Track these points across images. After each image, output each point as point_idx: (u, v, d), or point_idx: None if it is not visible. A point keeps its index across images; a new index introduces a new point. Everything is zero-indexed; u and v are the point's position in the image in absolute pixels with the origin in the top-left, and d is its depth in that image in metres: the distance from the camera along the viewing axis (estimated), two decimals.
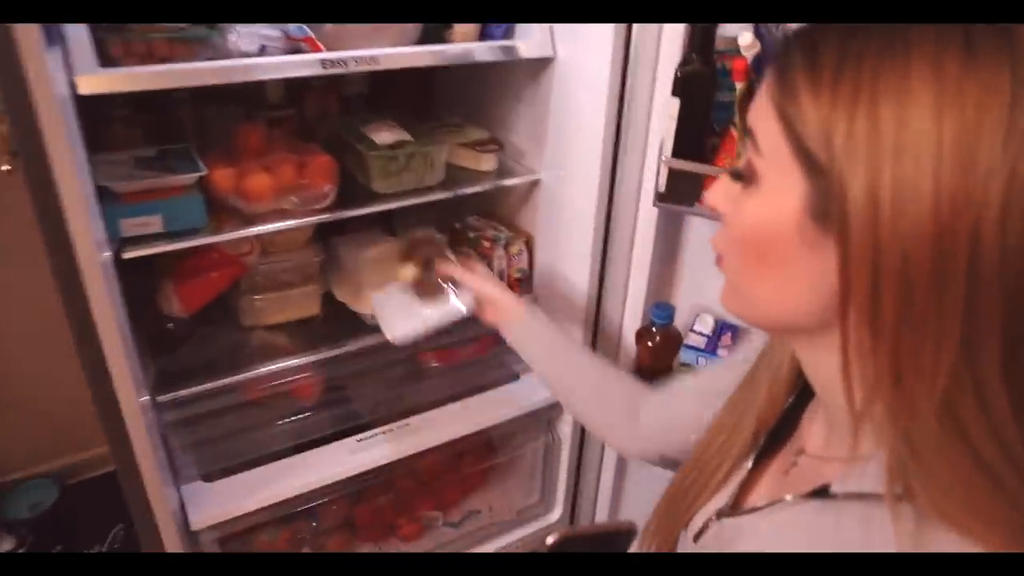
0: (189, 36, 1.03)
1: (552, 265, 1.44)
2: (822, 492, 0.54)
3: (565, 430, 1.52)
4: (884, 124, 0.42)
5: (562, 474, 1.57)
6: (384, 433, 1.36)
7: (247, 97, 1.40)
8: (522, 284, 1.48)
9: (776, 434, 0.66)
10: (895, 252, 0.42)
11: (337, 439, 1.36)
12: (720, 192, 0.55)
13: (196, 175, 1.11)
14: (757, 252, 0.51)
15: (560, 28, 1.25)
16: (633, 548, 0.77)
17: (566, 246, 1.38)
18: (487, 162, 1.38)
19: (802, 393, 0.66)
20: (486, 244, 1.42)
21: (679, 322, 1.24)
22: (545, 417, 1.52)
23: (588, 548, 0.57)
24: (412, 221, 1.46)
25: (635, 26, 1.12)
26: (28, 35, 0.78)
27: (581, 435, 1.52)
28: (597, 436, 0.97)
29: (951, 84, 0.41)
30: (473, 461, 1.59)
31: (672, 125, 1.02)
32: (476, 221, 1.48)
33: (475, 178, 1.37)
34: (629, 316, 1.29)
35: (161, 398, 1.15)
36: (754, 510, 0.62)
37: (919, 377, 0.44)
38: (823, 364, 0.54)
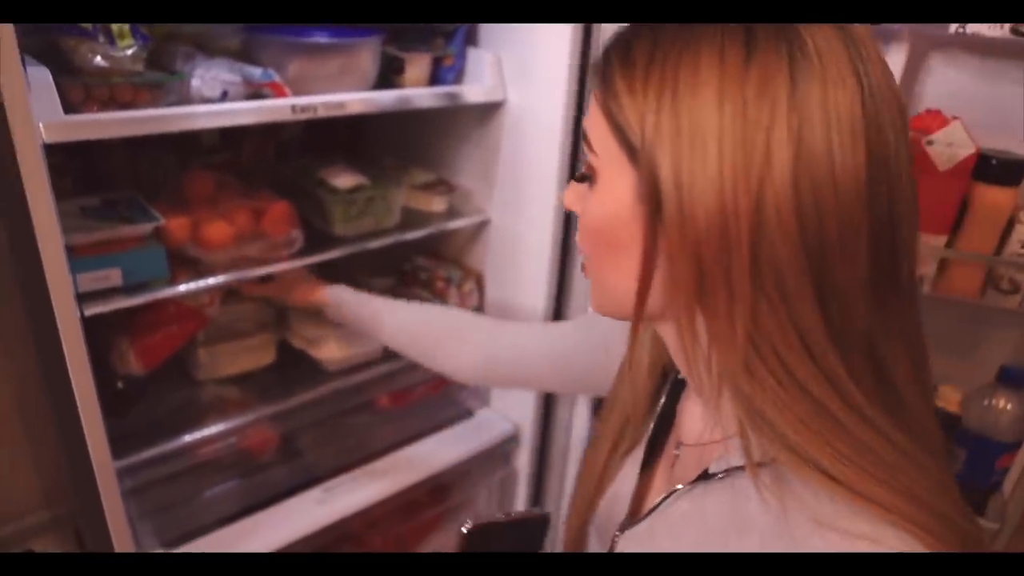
0: (151, 81, 0.99)
1: (504, 301, 1.47)
2: (704, 476, 0.58)
3: (522, 461, 1.54)
4: (682, 112, 0.47)
5: (519, 507, 1.58)
6: (350, 481, 1.33)
7: (181, 143, 1.35)
8: None
9: (658, 433, 0.69)
10: (693, 228, 0.47)
11: (296, 492, 1.31)
12: (571, 194, 0.59)
13: (153, 225, 1.07)
14: (605, 243, 0.55)
15: (511, 72, 1.30)
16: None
17: (519, 282, 1.42)
18: (438, 203, 1.40)
19: (674, 388, 0.69)
20: (440, 284, 1.43)
21: None
22: (501, 452, 1.54)
23: (503, 535, 0.60)
24: (361, 262, 1.45)
25: (589, 70, 1.19)
26: (12, 80, 0.74)
27: (539, 467, 1.55)
28: (437, 367, 1.06)
29: (732, 75, 0.46)
30: (429, 504, 1.57)
31: None
32: (425, 261, 1.49)
33: (427, 219, 1.38)
34: None
35: (119, 463, 1.07)
36: (651, 511, 0.63)
37: (730, 342, 0.49)
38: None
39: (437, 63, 1.30)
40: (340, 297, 1.16)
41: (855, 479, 0.47)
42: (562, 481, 1.51)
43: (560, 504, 1.53)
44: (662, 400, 0.69)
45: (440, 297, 1.43)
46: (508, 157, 1.36)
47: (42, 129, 0.84)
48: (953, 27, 0.96)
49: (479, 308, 1.50)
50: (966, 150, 1.08)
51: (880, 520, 0.47)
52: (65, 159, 1.22)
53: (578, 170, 1.17)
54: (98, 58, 0.94)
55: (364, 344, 1.37)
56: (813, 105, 0.45)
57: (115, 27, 0.95)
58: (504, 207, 1.40)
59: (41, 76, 0.86)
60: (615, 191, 0.52)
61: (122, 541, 1.01)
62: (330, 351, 1.34)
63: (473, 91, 1.30)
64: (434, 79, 1.30)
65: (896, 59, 1.09)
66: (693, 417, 0.64)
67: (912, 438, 0.50)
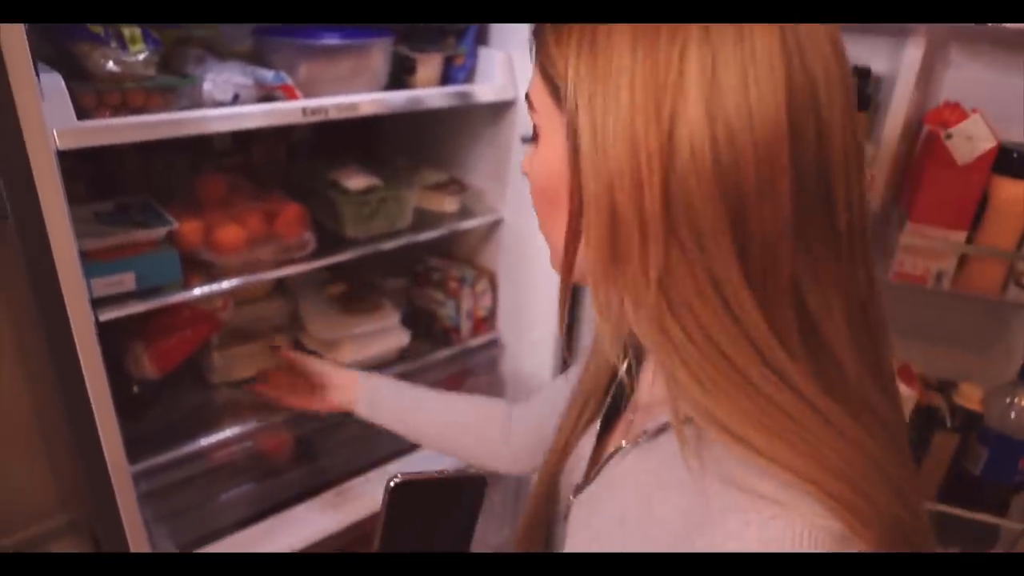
0: (163, 85, 0.99)
1: (517, 301, 1.46)
2: (643, 436, 0.57)
3: None
4: (599, 54, 0.46)
5: None
6: (363, 483, 1.33)
7: (192, 146, 1.35)
8: (487, 322, 1.49)
9: (618, 399, 0.69)
10: (605, 167, 0.46)
11: (310, 495, 1.31)
12: (526, 159, 0.59)
13: (166, 229, 1.06)
14: (547, 200, 0.55)
15: (523, 71, 1.29)
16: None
17: (532, 282, 1.41)
18: (450, 203, 1.40)
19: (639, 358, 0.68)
20: (453, 284, 1.42)
21: None
22: None
23: (433, 493, 0.58)
24: (373, 263, 1.45)
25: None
26: (24, 87, 0.74)
27: None
28: (487, 469, 1.00)
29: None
30: None
31: None
32: (438, 261, 1.49)
33: (439, 219, 1.38)
34: None
35: (135, 467, 1.07)
36: (598, 473, 0.63)
37: (643, 293, 0.47)
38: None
39: (448, 62, 1.29)
40: (371, 398, 1.05)
41: (766, 445, 0.45)
42: None
43: None
44: (623, 368, 0.68)
45: (454, 297, 1.42)
46: (520, 156, 1.35)
47: (55, 136, 0.84)
48: None
49: (492, 308, 1.49)
50: (986, 143, 1.06)
51: (795, 487, 0.44)
52: (77, 164, 1.22)
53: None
54: (110, 63, 0.94)
55: (378, 346, 1.37)
56: (727, 40, 0.44)
57: (127, 32, 0.95)
58: (517, 206, 1.40)
59: (54, 83, 0.85)
60: (551, 145, 0.52)
61: (138, 544, 1.01)
62: (344, 354, 1.33)
63: (484, 90, 1.29)
64: (445, 78, 1.30)
65: (914, 52, 1.08)
66: (647, 381, 0.64)
67: (845, 410, 0.46)
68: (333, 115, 1.09)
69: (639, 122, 0.44)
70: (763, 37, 0.44)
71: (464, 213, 1.42)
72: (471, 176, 1.46)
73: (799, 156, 0.44)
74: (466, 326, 1.45)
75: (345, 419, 1.35)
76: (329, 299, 1.38)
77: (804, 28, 0.45)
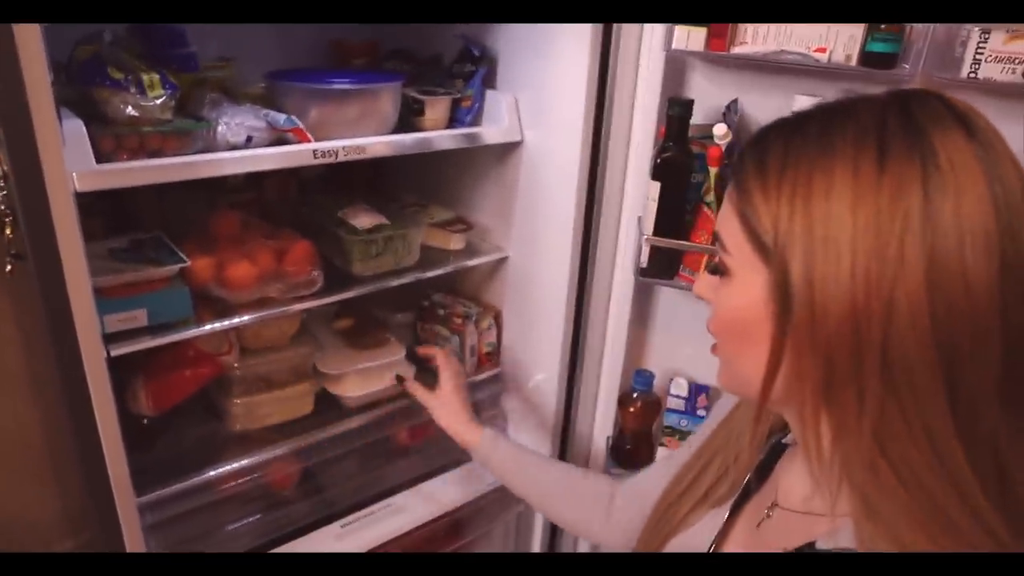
0: (179, 129, 1.03)
1: (521, 338, 1.48)
2: (807, 547, 0.58)
3: None
4: (815, 217, 0.49)
5: (535, 540, 1.58)
6: (367, 516, 1.34)
7: (206, 183, 1.39)
8: (491, 358, 1.51)
9: (748, 488, 0.70)
10: (824, 326, 0.49)
11: (314, 527, 1.33)
12: (704, 284, 0.62)
13: (179, 266, 1.09)
14: (738, 333, 0.58)
15: (527, 114, 1.32)
16: None
17: (536, 319, 1.43)
18: (457, 241, 1.42)
19: (772, 448, 0.71)
20: (457, 320, 1.45)
21: (655, 386, 1.31)
22: None
23: None
24: (380, 299, 1.48)
25: (606, 113, 1.21)
26: (47, 132, 0.78)
27: None
28: (578, 534, 1.03)
29: (866, 183, 0.48)
30: (446, 540, 1.57)
31: (653, 206, 1.10)
32: (443, 298, 1.51)
33: (446, 257, 1.41)
34: (605, 384, 1.35)
35: (142, 499, 1.09)
36: None
37: (855, 439, 0.50)
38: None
39: (456, 105, 1.33)
40: (487, 450, 1.10)
41: None
42: None
43: (578, 541, 1.53)
44: (760, 457, 0.70)
45: (458, 333, 1.44)
46: (525, 195, 1.38)
47: (75, 179, 0.88)
48: (965, 72, 0.97)
49: (497, 344, 1.51)
50: None
51: None
52: (94, 200, 1.25)
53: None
54: (129, 108, 0.98)
55: (383, 380, 1.38)
56: (947, 217, 0.46)
57: (146, 77, 0.99)
58: (522, 244, 1.42)
59: (75, 128, 0.89)
60: (747, 288, 0.55)
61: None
62: (350, 388, 1.35)
63: (491, 132, 1.33)
64: (453, 120, 1.33)
65: None
66: (795, 483, 0.65)
67: None
68: (343, 157, 1.12)
69: (860, 288, 0.47)
70: (979, 214, 0.46)
71: (470, 251, 1.44)
72: (477, 214, 1.49)
73: (1008, 320, 0.47)
74: (470, 362, 1.47)
75: (349, 451, 1.38)
76: (335, 333, 1.40)
77: (1013, 200, 0.47)
